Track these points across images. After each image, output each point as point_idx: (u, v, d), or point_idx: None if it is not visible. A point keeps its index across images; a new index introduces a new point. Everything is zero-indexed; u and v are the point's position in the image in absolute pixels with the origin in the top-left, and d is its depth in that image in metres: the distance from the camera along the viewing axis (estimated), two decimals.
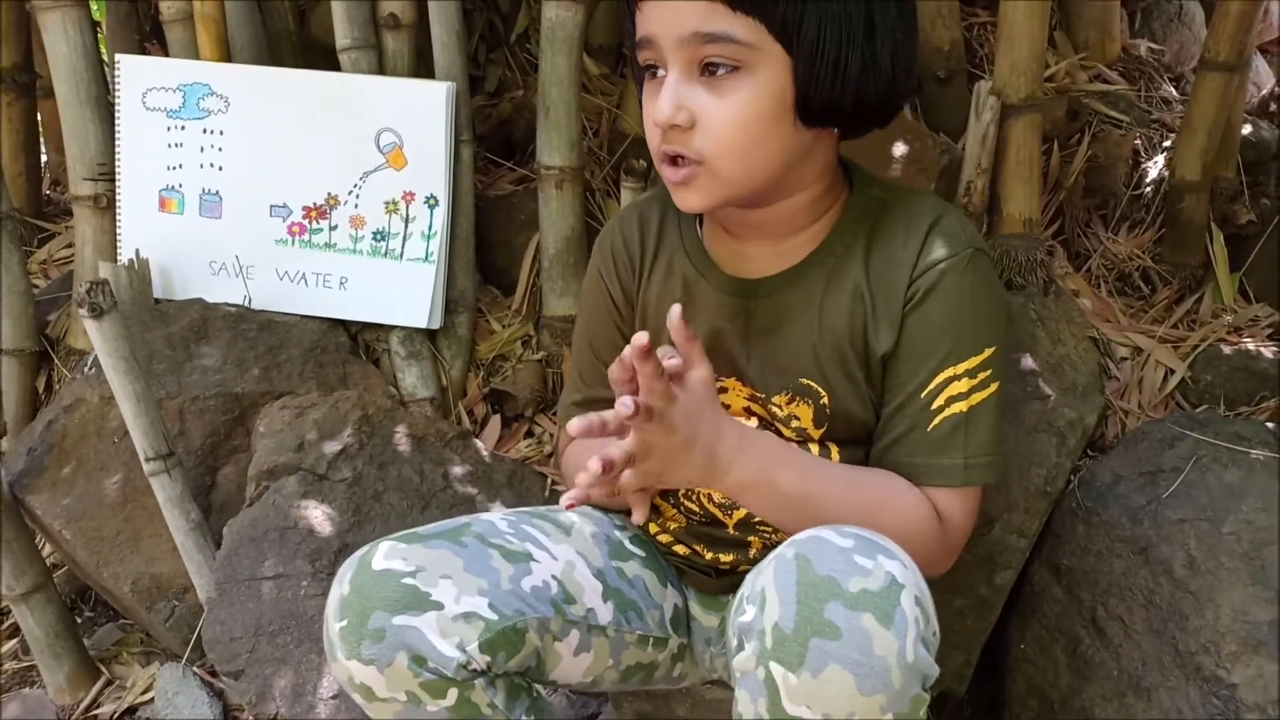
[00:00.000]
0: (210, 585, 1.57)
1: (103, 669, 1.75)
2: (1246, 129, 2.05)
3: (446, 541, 1.12)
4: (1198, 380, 1.74)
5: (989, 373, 1.10)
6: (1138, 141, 2.08)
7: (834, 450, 1.18)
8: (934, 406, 1.10)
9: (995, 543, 1.54)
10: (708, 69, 1.03)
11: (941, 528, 1.11)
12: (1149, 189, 2.05)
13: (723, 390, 1.21)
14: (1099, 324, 1.82)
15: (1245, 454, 1.46)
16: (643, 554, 1.28)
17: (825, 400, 1.15)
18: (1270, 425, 1.55)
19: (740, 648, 0.94)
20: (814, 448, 1.18)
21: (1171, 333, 1.85)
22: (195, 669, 1.66)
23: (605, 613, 1.19)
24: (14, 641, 1.84)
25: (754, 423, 1.21)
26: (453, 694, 1.07)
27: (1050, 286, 1.79)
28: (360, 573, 1.08)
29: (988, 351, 1.10)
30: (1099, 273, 1.98)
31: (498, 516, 1.21)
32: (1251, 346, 1.76)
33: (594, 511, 1.29)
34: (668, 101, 1.03)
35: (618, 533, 1.28)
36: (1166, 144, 2.08)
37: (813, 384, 1.15)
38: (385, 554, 1.09)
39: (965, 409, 1.10)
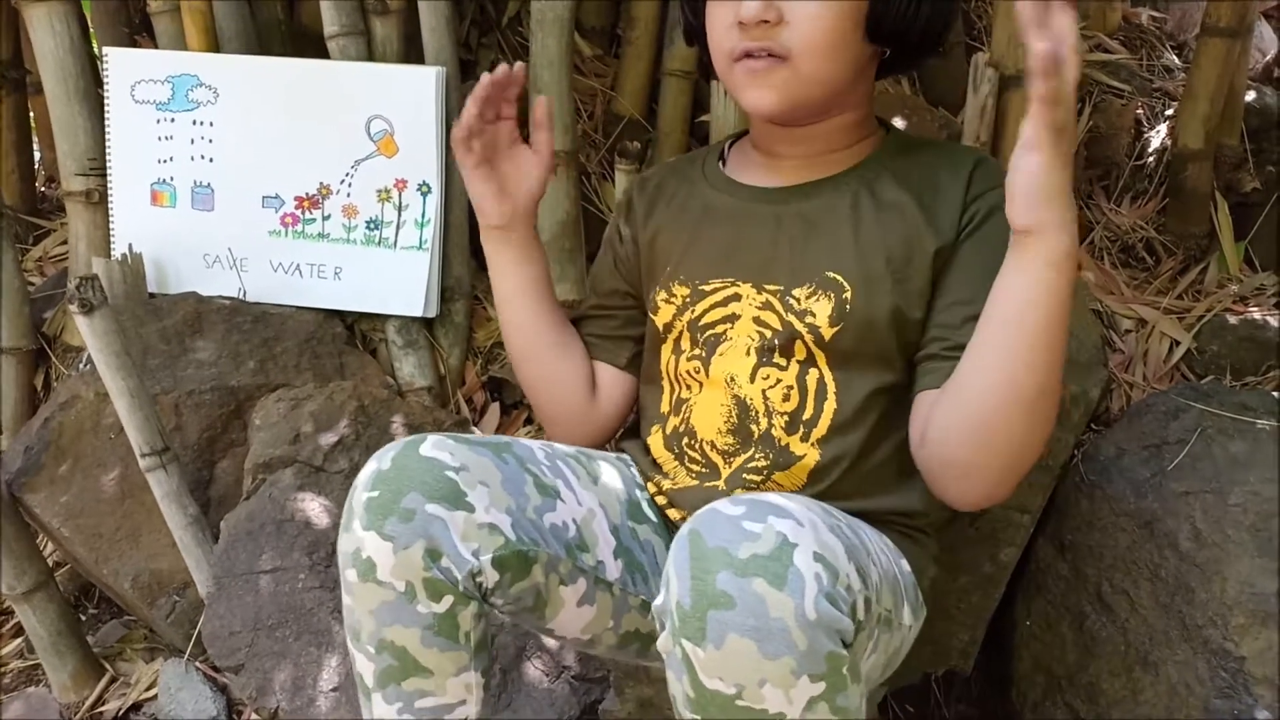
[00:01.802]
0: (209, 580, 1.57)
1: (107, 666, 1.75)
2: (1250, 95, 2.02)
3: (490, 452, 1.12)
4: (1203, 351, 1.72)
5: None
6: (1139, 111, 2.05)
7: (830, 379, 1.17)
8: None
9: (998, 519, 1.52)
10: None
11: None
12: (1151, 159, 2.02)
13: (735, 298, 1.21)
14: (1103, 296, 1.80)
15: (1251, 424, 1.44)
16: (655, 520, 1.27)
17: (849, 294, 1.16)
18: (1277, 395, 1.52)
19: (662, 629, 0.94)
20: (821, 355, 1.17)
21: (1176, 304, 1.82)
22: (198, 664, 1.66)
23: (614, 569, 1.18)
24: (18, 641, 1.84)
25: (762, 336, 1.19)
26: (447, 601, 1.05)
27: None
28: (405, 453, 1.07)
29: None
30: (1102, 245, 1.96)
31: (537, 444, 1.20)
32: (1258, 316, 1.73)
33: (621, 467, 1.29)
34: None
35: (638, 492, 1.27)
36: (1169, 113, 2.05)
37: (839, 277, 1.16)
38: (434, 444, 1.08)
39: None
